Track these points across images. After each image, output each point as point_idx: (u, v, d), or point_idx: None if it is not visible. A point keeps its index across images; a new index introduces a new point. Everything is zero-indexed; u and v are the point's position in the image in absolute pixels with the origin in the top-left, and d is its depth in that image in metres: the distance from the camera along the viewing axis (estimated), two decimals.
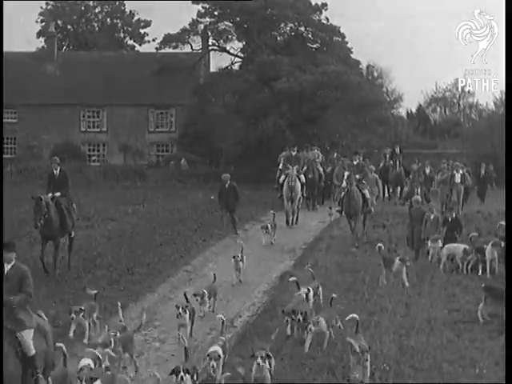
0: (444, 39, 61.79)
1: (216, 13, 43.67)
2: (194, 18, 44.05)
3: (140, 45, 60.22)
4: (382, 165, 31.54)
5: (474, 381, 10.30)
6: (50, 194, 16.48)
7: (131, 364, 10.76)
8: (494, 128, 39.88)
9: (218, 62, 46.63)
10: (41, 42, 55.51)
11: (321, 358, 11.03)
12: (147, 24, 60.22)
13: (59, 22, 57.47)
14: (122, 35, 60.76)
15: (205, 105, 43.00)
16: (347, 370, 10.30)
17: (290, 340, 11.69)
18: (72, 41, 58.56)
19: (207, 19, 44.02)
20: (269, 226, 20.52)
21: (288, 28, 44.32)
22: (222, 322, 10.94)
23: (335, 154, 33.05)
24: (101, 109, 47.14)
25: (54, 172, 16.86)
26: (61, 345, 9.39)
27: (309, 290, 12.98)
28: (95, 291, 12.99)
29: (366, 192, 20.89)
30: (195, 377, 9.48)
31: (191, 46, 44.70)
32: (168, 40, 44.02)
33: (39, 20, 57.98)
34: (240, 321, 13.50)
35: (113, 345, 10.47)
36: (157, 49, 45.41)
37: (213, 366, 9.79)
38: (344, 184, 20.60)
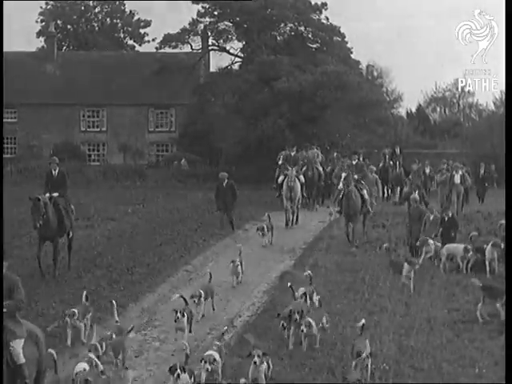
0: (444, 39, 61.79)
1: (216, 13, 43.71)
2: (194, 17, 44.13)
3: (140, 45, 60.29)
4: (381, 165, 31.56)
5: (473, 380, 10.30)
6: (48, 194, 16.44)
7: (123, 368, 10.62)
8: (493, 128, 39.88)
9: (217, 61, 46.74)
10: (41, 42, 55.60)
11: (321, 358, 11.04)
12: (147, 24, 60.26)
13: (59, 21, 57.50)
14: (121, 35, 60.78)
15: (205, 105, 43.02)
16: (347, 369, 10.31)
17: (289, 340, 11.67)
18: (72, 41, 58.58)
19: (207, 19, 44.08)
20: (265, 227, 20.39)
21: (288, 28, 44.36)
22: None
23: (335, 154, 33.07)
24: (101, 108, 47.15)
25: (53, 172, 16.82)
26: (51, 351, 9.25)
27: (305, 293, 12.93)
28: (85, 293, 12.67)
29: (365, 192, 20.87)
30: (192, 378, 9.50)
31: (191, 46, 44.78)
32: (168, 40, 44.06)
33: (39, 20, 58.05)
34: (240, 320, 13.50)
35: (104, 349, 10.40)
36: (157, 49, 45.47)
37: (207, 370, 9.79)
38: (340, 186, 20.57)
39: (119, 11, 60.47)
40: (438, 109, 62.32)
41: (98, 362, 9.71)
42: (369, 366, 10.01)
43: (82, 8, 59.46)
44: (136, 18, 60.27)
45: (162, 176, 40.11)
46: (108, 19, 60.30)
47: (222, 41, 44.52)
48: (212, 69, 47.68)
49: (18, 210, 23.15)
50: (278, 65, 39.87)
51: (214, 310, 13.73)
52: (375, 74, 57.55)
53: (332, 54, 42.55)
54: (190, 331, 12.02)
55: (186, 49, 44.85)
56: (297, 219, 24.06)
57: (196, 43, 44.76)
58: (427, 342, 11.79)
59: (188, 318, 11.95)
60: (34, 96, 45.78)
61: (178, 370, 9.27)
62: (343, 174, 20.80)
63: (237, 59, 44.88)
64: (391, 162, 31.54)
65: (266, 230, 20.34)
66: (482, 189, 30.77)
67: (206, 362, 9.82)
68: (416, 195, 19.95)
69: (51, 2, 58.68)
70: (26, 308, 11.98)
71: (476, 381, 10.30)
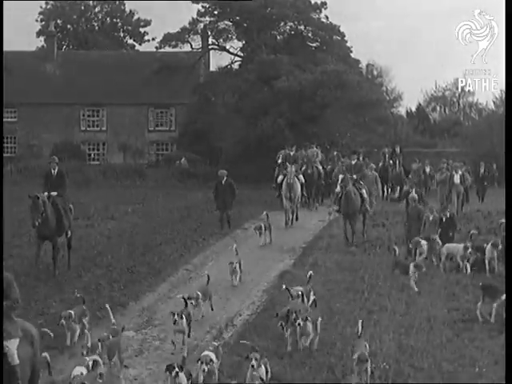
0: (444, 39, 61.89)
1: (216, 12, 43.75)
2: (194, 17, 44.17)
3: (140, 44, 60.38)
4: (381, 164, 31.56)
5: (473, 380, 10.29)
6: (46, 193, 16.43)
7: (122, 367, 10.60)
8: (493, 127, 39.88)
9: (217, 61, 46.88)
10: (41, 42, 55.68)
11: (321, 357, 11.03)
12: (147, 23, 60.32)
13: (59, 21, 57.54)
14: (121, 34, 60.84)
15: (204, 104, 43.05)
16: (347, 369, 10.31)
17: (288, 341, 11.66)
18: (72, 40, 58.62)
19: (207, 18, 44.13)
20: (262, 226, 20.29)
21: (287, 27, 44.40)
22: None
23: (335, 153, 33.06)
24: (101, 108, 47.17)
25: (52, 171, 16.80)
26: (45, 354, 9.16)
27: (302, 293, 12.91)
28: (80, 294, 12.65)
29: (364, 192, 20.88)
30: (190, 381, 9.50)
31: (191, 45, 44.85)
32: (168, 39, 44.09)
33: (39, 19, 58.09)
34: (240, 319, 13.50)
35: (100, 350, 10.38)
36: (157, 48, 45.53)
37: (204, 370, 9.78)
38: (338, 188, 20.57)
39: (119, 11, 60.51)
40: (438, 108, 62.39)
41: (101, 362, 9.69)
42: (368, 368, 9.99)
43: (82, 7, 59.52)
44: (136, 17, 60.40)
45: (162, 175, 40.13)
46: (108, 19, 60.34)
47: (221, 40, 44.57)
48: (212, 68, 47.78)
49: (18, 209, 23.16)
50: (277, 64, 39.90)
51: (212, 310, 13.71)
52: (375, 73, 57.64)
53: (332, 53, 42.60)
54: (189, 336, 11.95)
55: (186, 48, 44.95)
56: (296, 217, 24.05)
57: (196, 42, 44.87)
58: (427, 341, 11.78)
59: (187, 320, 11.90)
60: (34, 95, 45.79)
61: (176, 369, 9.26)
62: (340, 176, 20.83)
63: (237, 58, 44.97)
64: (391, 161, 31.54)
65: (263, 229, 20.21)
66: (481, 188, 30.79)
67: (202, 363, 9.80)
68: (415, 194, 19.91)
69: (51, 2, 58.76)
70: (26, 307, 12.04)
71: (476, 380, 10.29)
